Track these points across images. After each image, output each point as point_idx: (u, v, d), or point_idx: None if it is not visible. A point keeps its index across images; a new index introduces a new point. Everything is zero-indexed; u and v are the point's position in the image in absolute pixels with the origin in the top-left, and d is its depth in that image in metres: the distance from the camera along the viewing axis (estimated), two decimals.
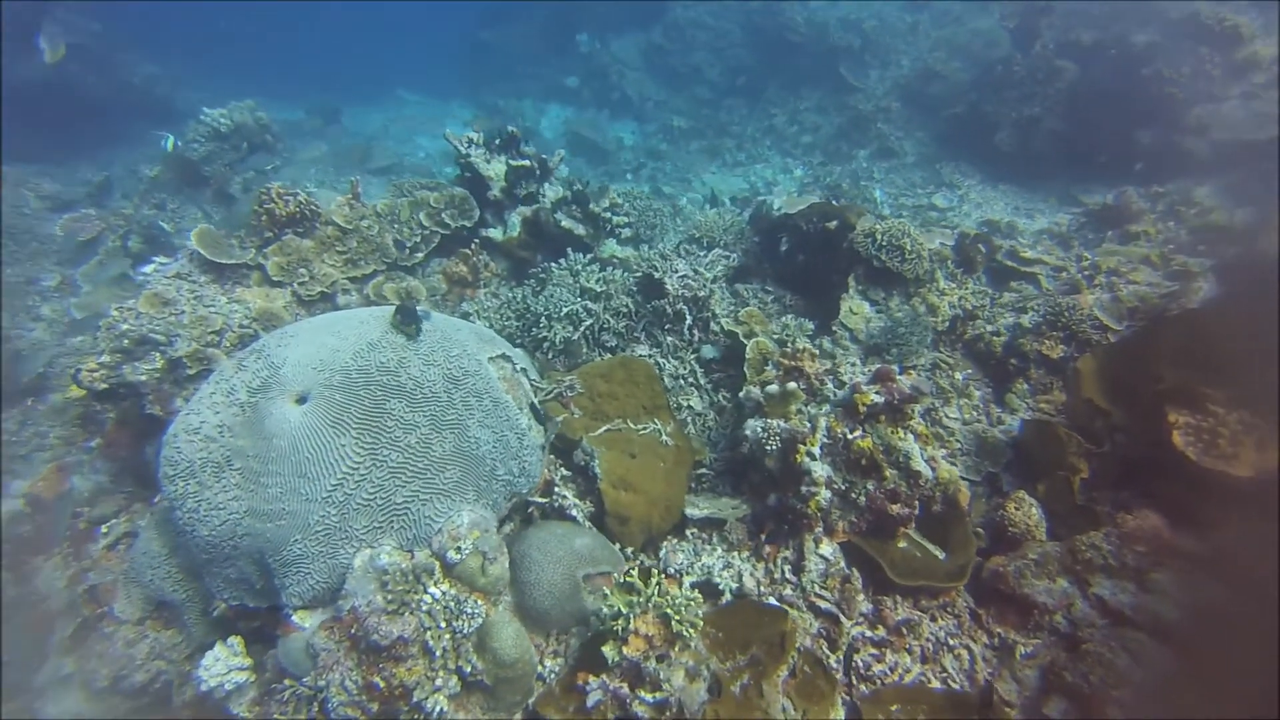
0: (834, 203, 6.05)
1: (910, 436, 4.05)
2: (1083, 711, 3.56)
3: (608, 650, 3.33)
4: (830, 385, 4.34)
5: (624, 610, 3.32)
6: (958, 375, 5.36)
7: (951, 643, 3.89)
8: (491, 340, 4.44)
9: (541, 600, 3.66)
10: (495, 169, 5.77)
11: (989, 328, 5.42)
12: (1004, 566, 4.13)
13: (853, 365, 4.41)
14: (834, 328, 5.47)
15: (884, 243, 5.38)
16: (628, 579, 3.49)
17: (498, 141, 5.89)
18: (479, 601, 3.35)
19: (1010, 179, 9.99)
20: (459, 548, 3.37)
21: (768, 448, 4.20)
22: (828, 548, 4.12)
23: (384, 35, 30.96)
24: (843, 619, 3.88)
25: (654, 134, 14.77)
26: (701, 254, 6.23)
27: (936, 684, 3.70)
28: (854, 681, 3.65)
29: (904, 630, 3.86)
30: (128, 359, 4.98)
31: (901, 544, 4.21)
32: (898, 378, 4.08)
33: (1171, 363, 4.33)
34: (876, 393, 4.02)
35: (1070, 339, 5.20)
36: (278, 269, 5.10)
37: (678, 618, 3.24)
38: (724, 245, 6.49)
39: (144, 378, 4.99)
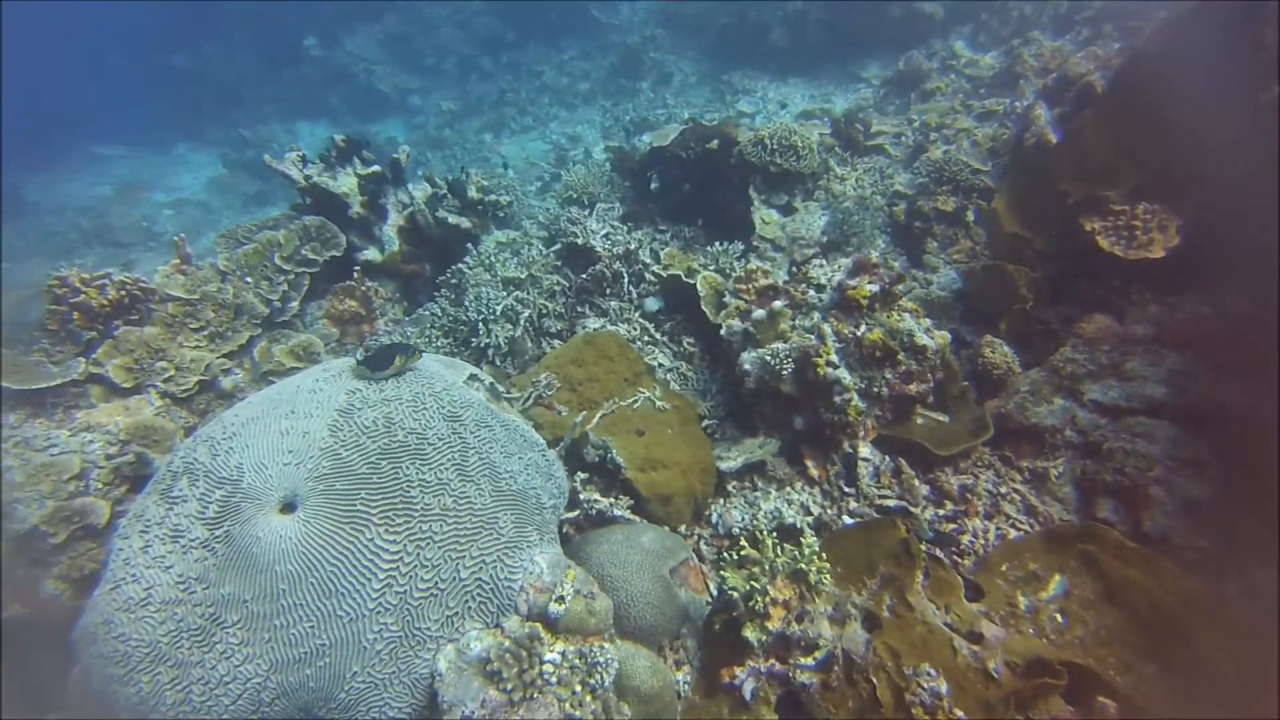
0: (704, 122, 5.89)
1: (906, 315, 4.07)
2: (1130, 502, 3.86)
3: (750, 634, 3.04)
4: (812, 293, 4.23)
5: (755, 586, 3.02)
6: (873, 255, 5.53)
7: (1003, 491, 4.05)
8: (453, 364, 3.78)
9: (643, 615, 3.25)
10: (347, 184, 4.86)
11: (885, 200, 5.63)
12: (1004, 406, 4.36)
13: (821, 266, 4.34)
14: (754, 243, 5.37)
15: (775, 146, 5.32)
16: (738, 553, 3.18)
17: (333, 154, 4.95)
18: (603, 645, 2.87)
19: (795, 71, 10.48)
20: (560, 596, 2.84)
21: (781, 372, 4.02)
22: (865, 449, 4.09)
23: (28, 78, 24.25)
24: (912, 509, 3.88)
25: (427, 124, 13.69)
26: (589, 212, 5.82)
27: (1014, 533, 3.83)
28: (956, 560, 3.67)
29: (968, 495, 3.94)
30: None
31: (919, 420, 4.30)
32: (877, 261, 4.07)
33: (1070, 179, 4.75)
34: (869, 282, 3.98)
35: (957, 190, 5.55)
36: (123, 372, 3.91)
37: (814, 567, 3.01)
38: (603, 198, 6.12)
39: None
